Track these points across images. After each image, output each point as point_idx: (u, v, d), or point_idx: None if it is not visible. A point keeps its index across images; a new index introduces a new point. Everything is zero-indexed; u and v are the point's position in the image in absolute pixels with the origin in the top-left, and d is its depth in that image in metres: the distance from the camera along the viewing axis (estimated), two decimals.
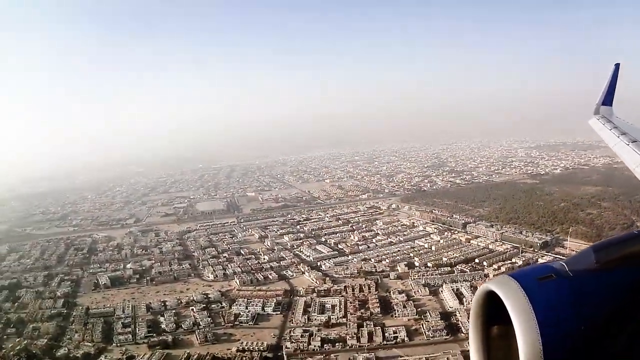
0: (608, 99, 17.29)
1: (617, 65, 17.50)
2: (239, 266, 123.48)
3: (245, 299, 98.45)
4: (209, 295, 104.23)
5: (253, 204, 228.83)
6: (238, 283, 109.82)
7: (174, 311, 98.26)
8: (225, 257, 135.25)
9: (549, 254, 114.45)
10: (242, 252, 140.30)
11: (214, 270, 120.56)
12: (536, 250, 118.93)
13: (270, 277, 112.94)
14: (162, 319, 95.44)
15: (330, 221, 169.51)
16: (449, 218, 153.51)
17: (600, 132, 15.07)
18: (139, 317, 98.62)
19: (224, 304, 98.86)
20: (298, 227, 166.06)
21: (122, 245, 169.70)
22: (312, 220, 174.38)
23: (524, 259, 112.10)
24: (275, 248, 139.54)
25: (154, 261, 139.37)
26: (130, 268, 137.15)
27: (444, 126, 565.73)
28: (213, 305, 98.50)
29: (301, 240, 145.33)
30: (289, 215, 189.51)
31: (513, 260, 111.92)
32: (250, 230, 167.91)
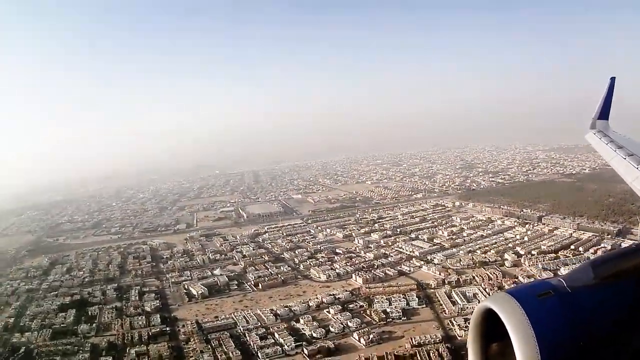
0: (604, 112, 16.60)
1: (613, 79, 16.95)
2: (348, 265, 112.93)
3: (383, 296, 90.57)
4: (338, 296, 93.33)
5: (306, 206, 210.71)
6: (361, 281, 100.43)
7: (308, 316, 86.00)
8: (323, 257, 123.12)
9: (625, 239, 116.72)
10: (337, 251, 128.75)
11: (322, 271, 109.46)
12: (613, 237, 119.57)
13: (389, 273, 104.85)
14: (298, 325, 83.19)
15: (406, 219, 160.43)
16: (520, 212, 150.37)
17: (597, 147, 14.58)
18: (269, 326, 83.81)
19: (361, 303, 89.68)
20: (376, 225, 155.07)
21: (190, 251, 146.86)
22: (387, 219, 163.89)
23: (610, 244, 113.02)
24: (372, 246, 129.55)
25: (243, 265, 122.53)
26: (222, 274, 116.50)
27: (447, 131, 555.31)
28: (350, 306, 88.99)
29: (392, 237, 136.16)
30: (357, 215, 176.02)
31: (601, 245, 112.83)
32: (326, 230, 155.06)
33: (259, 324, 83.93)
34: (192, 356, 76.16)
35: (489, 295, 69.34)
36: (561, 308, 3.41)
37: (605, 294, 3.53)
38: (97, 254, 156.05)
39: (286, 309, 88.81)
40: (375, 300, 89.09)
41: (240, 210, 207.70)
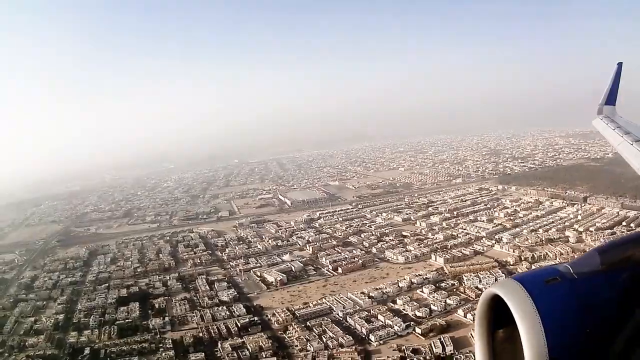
0: (611, 98, 16.00)
1: (620, 65, 16.31)
2: (421, 247, 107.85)
3: (470, 274, 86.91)
4: (426, 276, 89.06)
5: (347, 192, 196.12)
6: (442, 261, 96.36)
7: (404, 296, 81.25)
8: (391, 239, 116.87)
9: None
10: (404, 234, 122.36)
11: (398, 253, 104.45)
12: None
13: (466, 252, 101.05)
14: (396, 306, 78.41)
15: (457, 202, 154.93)
16: (564, 194, 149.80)
17: (603, 132, 14.32)
18: (368, 308, 78.25)
19: (452, 282, 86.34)
20: (430, 208, 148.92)
21: (246, 238, 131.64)
22: (438, 202, 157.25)
23: None
24: (435, 228, 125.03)
25: (311, 251, 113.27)
26: (293, 260, 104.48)
27: (461, 120, 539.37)
28: (442, 284, 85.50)
29: (452, 220, 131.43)
30: (405, 199, 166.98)
31: None
32: (382, 214, 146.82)
33: (357, 307, 77.86)
34: (296, 345, 67.75)
35: None
36: (568, 294, 3.29)
37: (612, 280, 3.39)
38: (140, 243, 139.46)
39: (378, 291, 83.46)
40: (465, 278, 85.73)
41: (281, 197, 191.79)
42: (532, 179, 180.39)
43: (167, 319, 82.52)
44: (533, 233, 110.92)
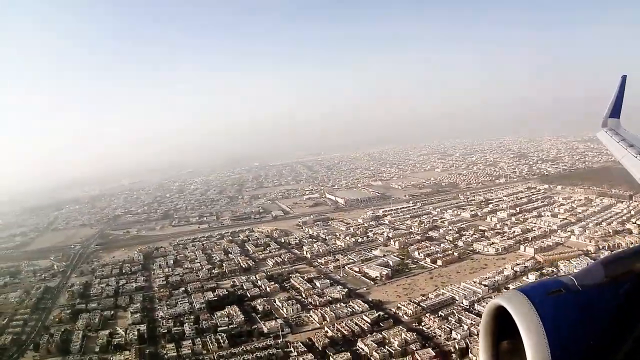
0: (615, 111, 15.86)
1: (624, 78, 16.14)
2: (504, 239, 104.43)
3: (565, 262, 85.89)
4: (525, 265, 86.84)
5: (395, 192, 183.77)
6: (532, 251, 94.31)
7: (516, 283, 76.74)
8: (471, 233, 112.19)
9: None
10: (481, 228, 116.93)
11: (488, 245, 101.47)
12: None
13: (548, 243, 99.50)
14: None
15: (512, 199, 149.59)
16: (611, 192, 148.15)
17: (608, 145, 14.04)
18: (489, 296, 70.76)
19: (551, 269, 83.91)
20: (490, 205, 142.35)
21: (317, 236, 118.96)
22: (495, 200, 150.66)
23: None
24: (508, 222, 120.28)
25: (397, 246, 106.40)
26: (384, 255, 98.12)
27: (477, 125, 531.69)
28: (543, 271, 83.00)
29: (518, 215, 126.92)
30: (460, 197, 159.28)
31: None
32: (448, 210, 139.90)
33: (477, 296, 73.48)
34: (440, 335, 62.53)
35: None
36: (572, 306, 3.21)
37: (616, 292, 3.30)
38: (200, 243, 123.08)
39: (489, 279, 79.51)
40: (560, 264, 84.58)
41: (330, 197, 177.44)
42: (571, 179, 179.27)
43: (280, 321, 68.98)
44: (598, 226, 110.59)
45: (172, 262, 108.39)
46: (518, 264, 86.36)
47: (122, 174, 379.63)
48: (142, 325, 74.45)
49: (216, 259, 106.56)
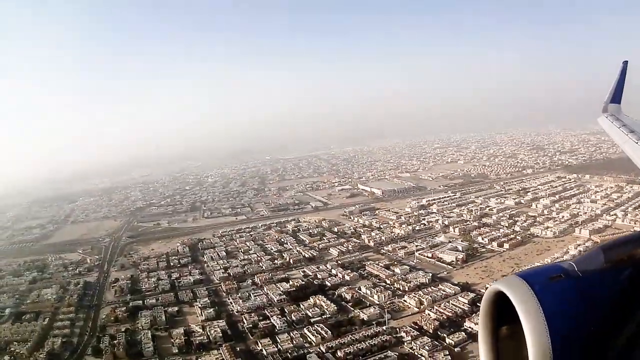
0: (616, 96, 15.22)
1: (625, 63, 15.59)
2: (559, 223, 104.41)
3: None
4: (586, 245, 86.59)
5: (427, 182, 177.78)
6: (587, 233, 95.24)
7: None
8: (523, 220, 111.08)
9: None
10: (530, 214, 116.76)
11: (545, 228, 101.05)
12: None
13: (599, 226, 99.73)
14: None
15: (547, 188, 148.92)
16: (637, 180, 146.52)
17: (608, 130, 13.70)
18: None
19: None
20: (529, 194, 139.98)
21: (370, 225, 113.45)
22: (531, 189, 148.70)
23: None
24: (552, 208, 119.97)
25: (457, 232, 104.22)
26: (450, 240, 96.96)
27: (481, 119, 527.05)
28: None
29: (560, 202, 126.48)
30: (497, 187, 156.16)
31: None
32: (491, 199, 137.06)
33: None
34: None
35: None
36: (572, 292, 3.17)
37: (616, 278, 3.27)
38: (248, 234, 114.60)
39: (559, 260, 67.97)
40: None
41: (364, 188, 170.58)
42: (595, 169, 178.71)
43: (376, 307, 64.65)
44: (638, 209, 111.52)
45: (224, 254, 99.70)
46: (579, 245, 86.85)
47: (129, 167, 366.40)
48: (220, 321, 66.15)
49: (272, 249, 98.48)
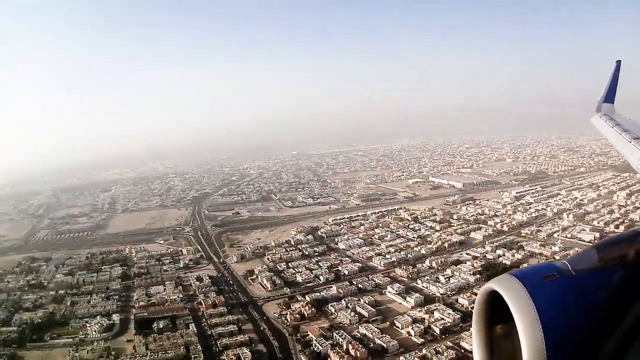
0: (610, 96, 15.28)
1: (619, 63, 15.60)
2: None
3: None
4: None
5: (495, 178, 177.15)
6: None
7: None
8: (617, 208, 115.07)
9: None
10: (619, 204, 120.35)
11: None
12: None
13: None
14: None
15: (613, 185, 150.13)
16: None
17: (602, 130, 13.63)
18: None
19: None
20: (605, 187, 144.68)
21: (483, 214, 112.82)
22: (601, 183, 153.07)
23: None
24: (633, 198, 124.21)
25: (573, 218, 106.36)
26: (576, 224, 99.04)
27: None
28: None
29: (635, 195, 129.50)
30: (566, 182, 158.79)
31: None
32: (573, 192, 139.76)
33: None
34: None
35: None
36: (565, 291, 3.17)
37: (609, 277, 3.29)
38: (367, 222, 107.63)
39: None
40: None
41: (440, 180, 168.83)
42: None
43: None
44: None
45: (360, 241, 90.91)
46: None
47: (142, 159, 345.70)
48: (436, 304, 58.13)
49: (408, 235, 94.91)
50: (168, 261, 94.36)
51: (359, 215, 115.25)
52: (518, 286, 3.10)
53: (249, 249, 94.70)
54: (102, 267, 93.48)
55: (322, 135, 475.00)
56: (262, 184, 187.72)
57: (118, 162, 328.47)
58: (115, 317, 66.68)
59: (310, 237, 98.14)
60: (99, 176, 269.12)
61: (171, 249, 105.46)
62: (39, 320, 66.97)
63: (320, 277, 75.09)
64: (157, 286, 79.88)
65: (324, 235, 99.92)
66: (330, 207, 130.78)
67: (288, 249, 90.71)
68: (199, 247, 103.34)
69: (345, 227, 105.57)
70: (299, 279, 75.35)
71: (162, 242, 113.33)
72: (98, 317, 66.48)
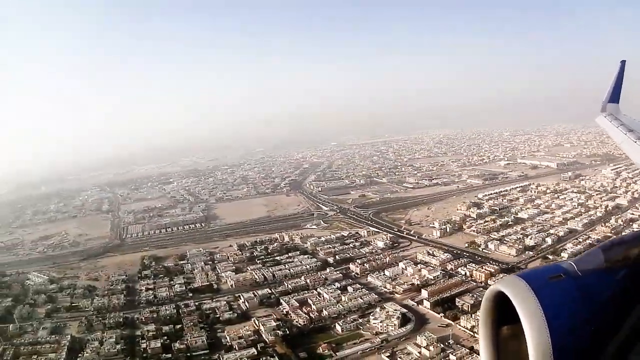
0: (615, 96, 15.43)
1: (623, 63, 15.85)
2: None
3: None
4: None
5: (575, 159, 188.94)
6: None
7: None
8: None
9: None
10: None
11: None
12: None
13: None
14: None
15: None
16: None
17: (607, 129, 13.99)
18: None
19: None
20: None
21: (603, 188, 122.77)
22: None
23: None
24: None
25: None
26: None
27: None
28: None
29: None
30: None
31: None
32: None
33: None
34: None
35: None
36: (572, 291, 3.19)
37: (615, 277, 3.31)
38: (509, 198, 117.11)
39: None
40: None
41: (531, 162, 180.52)
42: None
43: None
44: None
45: (538, 211, 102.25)
46: None
47: (176, 154, 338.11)
48: None
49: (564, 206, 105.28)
50: (352, 244, 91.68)
51: (504, 191, 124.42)
52: (524, 287, 3.17)
53: (446, 225, 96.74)
54: (283, 257, 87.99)
55: (343, 129, 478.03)
56: (347, 170, 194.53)
57: (145, 158, 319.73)
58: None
59: (479, 210, 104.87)
60: (136, 172, 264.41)
61: (348, 232, 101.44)
62: None
63: (547, 239, 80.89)
64: (391, 268, 76.92)
65: (495, 208, 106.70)
66: (458, 187, 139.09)
67: (475, 223, 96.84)
68: (373, 229, 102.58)
69: (502, 200, 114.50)
70: (528, 242, 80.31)
71: (314, 226, 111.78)
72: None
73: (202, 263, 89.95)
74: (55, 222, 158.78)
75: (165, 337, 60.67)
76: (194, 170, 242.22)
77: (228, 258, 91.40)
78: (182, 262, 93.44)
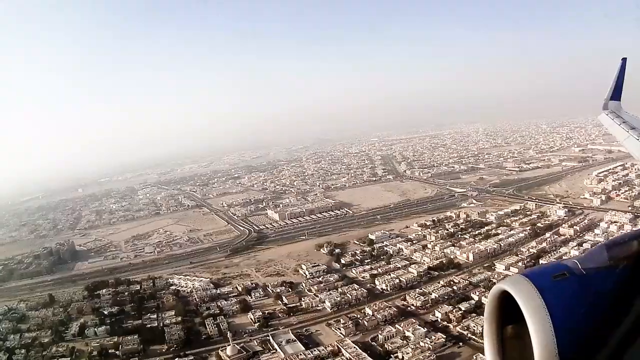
0: (616, 94, 16.32)
1: (624, 60, 16.57)
2: None
3: None
4: None
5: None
6: None
7: None
8: None
9: None
10: None
11: None
12: None
13: None
14: None
15: None
16: None
17: (609, 127, 14.58)
18: None
19: None
20: None
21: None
22: None
23: None
24: None
25: None
26: None
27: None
28: None
29: None
30: None
31: None
32: None
33: None
34: None
35: None
36: (576, 290, 3.35)
37: (620, 276, 3.45)
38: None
39: None
40: None
41: (601, 147, 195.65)
42: None
43: None
44: None
45: None
46: None
47: (211, 154, 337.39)
48: None
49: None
50: (519, 219, 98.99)
51: (613, 169, 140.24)
52: (528, 286, 3.22)
53: (601, 195, 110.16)
54: (481, 230, 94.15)
55: (374, 127, 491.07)
56: (429, 160, 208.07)
57: (181, 157, 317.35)
58: None
59: (613, 182, 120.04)
60: (179, 171, 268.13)
61: (515, 208, 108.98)
62: None
63: None
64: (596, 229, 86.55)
65: (624, 180, 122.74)
66: (562, 168, 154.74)
67: (619, 193, 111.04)
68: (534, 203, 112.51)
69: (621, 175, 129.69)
70: None
71: (471, 204, 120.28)
72: None
73: (406, 243, 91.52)
74: (135, 220, 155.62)
75: None
76: (241, 168, 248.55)
77: (425, 237, 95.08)
78: (370, 246, 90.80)
